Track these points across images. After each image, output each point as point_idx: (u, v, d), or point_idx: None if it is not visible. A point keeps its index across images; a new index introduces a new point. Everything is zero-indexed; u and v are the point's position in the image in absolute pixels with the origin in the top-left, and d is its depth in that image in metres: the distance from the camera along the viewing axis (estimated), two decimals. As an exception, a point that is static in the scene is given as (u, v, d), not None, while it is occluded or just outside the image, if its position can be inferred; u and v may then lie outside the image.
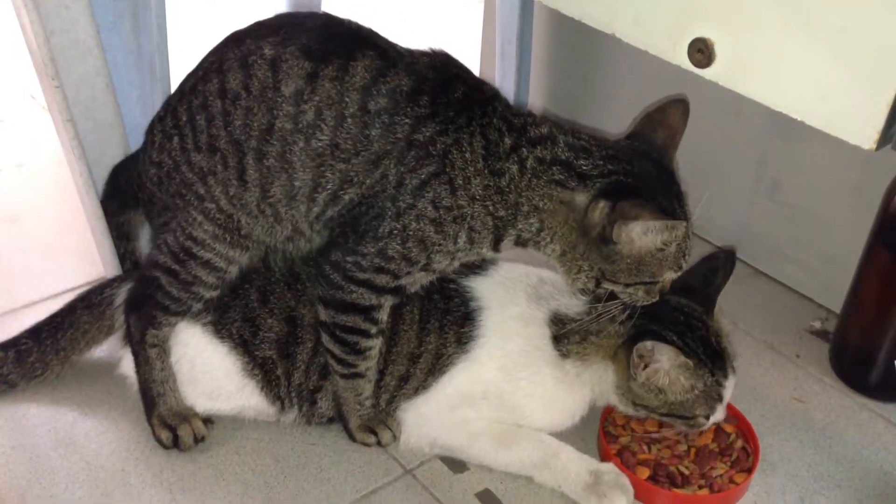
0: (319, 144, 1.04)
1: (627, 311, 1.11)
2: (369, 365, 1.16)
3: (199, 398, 1.21)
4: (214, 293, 1.16)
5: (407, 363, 1.19)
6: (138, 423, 1.23)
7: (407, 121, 1.03)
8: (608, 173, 1.02)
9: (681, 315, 1.15)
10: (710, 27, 0.91)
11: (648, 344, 1.09)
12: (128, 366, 1.22)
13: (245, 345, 1.18)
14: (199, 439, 1.20)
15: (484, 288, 1.21)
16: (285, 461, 1.20)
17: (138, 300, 1.18)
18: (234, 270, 1.15)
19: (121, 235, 1.35)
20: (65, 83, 1.24)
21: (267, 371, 1.19)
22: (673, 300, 1.14)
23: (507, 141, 1.03)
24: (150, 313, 1.17)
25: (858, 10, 0.80)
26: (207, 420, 1.22)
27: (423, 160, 1.03)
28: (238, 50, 1.06)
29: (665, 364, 1.11)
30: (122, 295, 1.23)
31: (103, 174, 1.34)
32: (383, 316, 1.14)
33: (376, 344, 1.15)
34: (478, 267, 1.24)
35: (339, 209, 1.07)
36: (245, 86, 1.04)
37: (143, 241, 1.36)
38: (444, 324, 1.19)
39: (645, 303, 1.09)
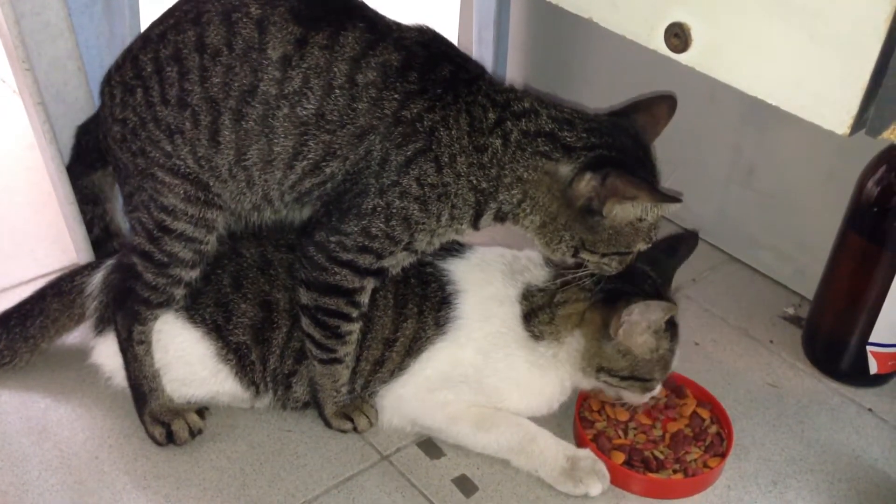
0: (305, 113, 1.02)
1: (594, 279, 1.13)
2: (348, 350, 1.16)
3: (172, 384, 1.20)
4: (193, 273, 1.13)
5: (382, 347, 1.19)
6: (111, 410, 1.22)
7: (396, 96, 1.02)
8: (592, 146, 1.03)
9: (650, 280, 1.16)
10: (687, 12, 0.91)
11: (639, 305, 1.10)
12: (100, 354, 1.21)
13: (218, 330, 1.17)
14: (195, 432, 1.19)
15: (461, 271, 1.21)
16: (261, 448, 1.20)
17: (121, 296, 1.16)
18: (211, 241, 1.12)
19: (86, 199, 1.29)
20: (36, 66, 1.22)
21: (241, 356, 1.18)
22: (639, 266, 1.15)
23: (491, 116, 1.04)
24: (134, 309, 1.14)
25: (833, -5, 0.80)
26: (203, 409, 1.21)
27: (410, 136, 1.03)
28: (220, 3, 1.03)
29: (650, 321, 1.12)
30: (93, 283, 1.22)
31: (75, 158, 1.32)
32: (365, 299, 1.13)
33: (356, 328, 1.15)
34: (455, 250, 1.24)
35: (317, 181, 1.06)
36: (227, 42, 1.02)
37: (118, 204, 1.30)
38: (422, 309, 1.19)
39: (615, 272, 1.10)
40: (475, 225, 1.09)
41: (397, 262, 1.12)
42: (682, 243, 1.25)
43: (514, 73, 1.90)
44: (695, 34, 0.91)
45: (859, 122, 0.83)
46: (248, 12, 1.02)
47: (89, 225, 1.32)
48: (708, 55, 0.91)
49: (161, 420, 1.18)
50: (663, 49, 0.94)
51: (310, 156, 1.05)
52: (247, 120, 1.03)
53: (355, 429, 1.22)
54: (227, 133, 1.04)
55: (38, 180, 1.54)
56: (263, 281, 1.18)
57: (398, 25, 1.07)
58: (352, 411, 1.21)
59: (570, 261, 1.10)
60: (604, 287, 1.15)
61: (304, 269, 1.11)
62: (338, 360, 1.16)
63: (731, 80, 0.90)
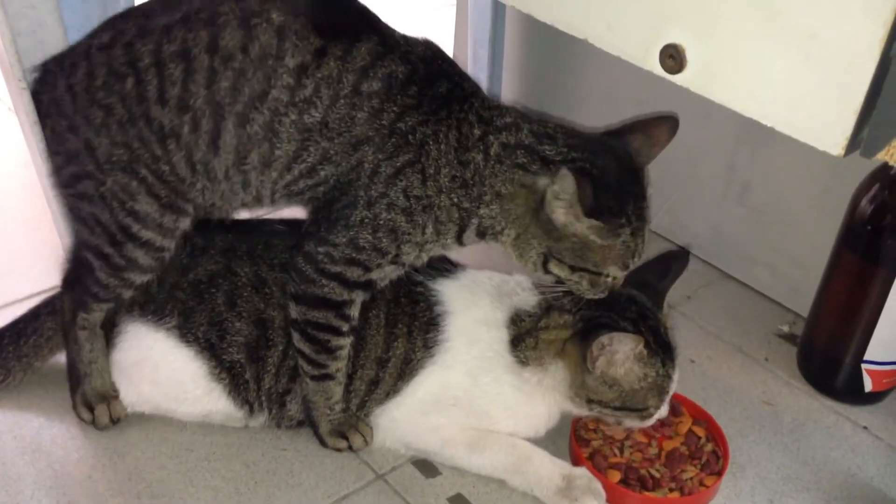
0: (311, 120, 1.03)
1: (573, 299, 1.12)
2: (339, 366, 1.15)
3: (163, 401, 1.20)
4: (147, 277, 1.13)
5: (375, 367, 1.19)
6: (105, 430, 1.21)
7: (395, 108, 1.03)
8: (571, 160, 1.03)
9: (633, 304, 1.15)
10: (682, 33, 0.91)
11: (605, 338, 1.09)
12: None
13: (212, 349, 1.17)
14: (115, 420, 1.21)
15: (450, 291, 1.21)
16: (255, 467, 1.19)
17: (71, 279, 1.17)
18: (172, 249, 1.12)
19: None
20: (32, 85, 1.22)
21: (234, 375, 1.18)
22: (624, 291, 1.14)
23: (476, 132, 1.04)
24: (81, 297, 1.16)
25: (827, 16, 0.81)
26: None
27: (401, 148, 1.03)
28: (237, 6, 1.01)
29: (625, 352, 1.10)
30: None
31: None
32: (354, 313, 1.13)
33: (347, 343, 1.14)
34: (446, 270, 1.24)
35: (311, 182, 1.06)
36: (243, 47, 1.01)
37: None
38: (411, 329, 1.18)
39: (591, 296, 1.09)
40: (459, 240, 1.09)
41: (385, 274, 1.12)
42: (673, 262, 1.24)
43: (509, 92, 1.91)
44: (690, 55, 0.91)
45: (854, 143, 0.84)
46: (269, 18, 1.01)
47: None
48: (703, 76, 0.91)
49: (89, 403, 1.20)
50: (658, 70, 0.94)
51: (308, 160, 1.05)
52: (251, 125, 1.03)
53: (350, 447, 1.21)
54: (228, 138, 1.04)
55: (32, 198, 1.53)
56: (258, 299, 1.17)
57: (406, 39, 1.08)
58: (347, 429, 1.21)
59: (544, 276, 1.09)
60: (584, 316, 1.14)
61: (293, 283, 1.11)
62: (329, 377, 1.16)
63: (727, 101, 0.91)
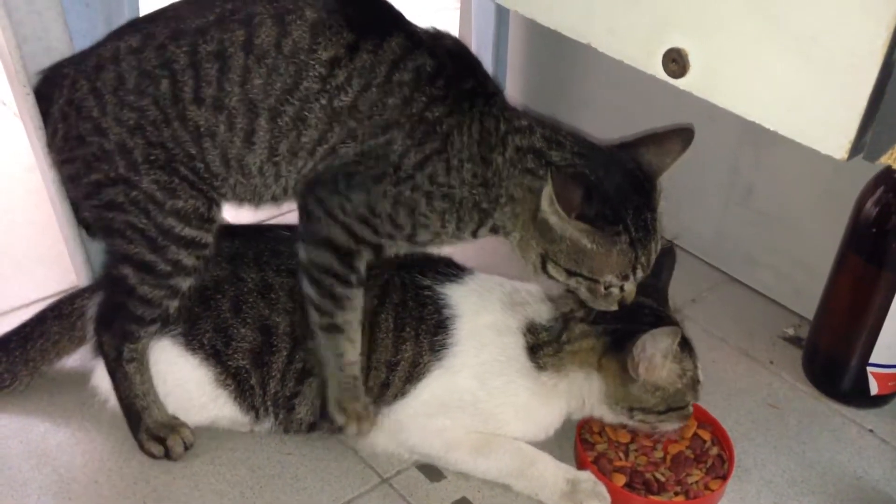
0: (340, 105, 1.04)
1: (584, 309, 1.13)
2: (347, 318, 1.12)
3: (169, 408, 1.20)
4: (191, 282, 1.12)
5: (386, 371, 1.19)
6: (111, 434, 1.22)
7: (423, 98, 1.05)
8: (573, 165, 1.05)
9: (644, 309, 1.16)
10: (684, 37, 0.91)
11: (644, 339, 1.10)
12: (100, 377, 1.20)
13: (217, 355, 1.17)
14: (188, 446, 1.19)
15: (458, 296, 1.21)
16: (261, 471, 1.19)
17: (109, 314, 1.15)
18: (212, 245, 1.11)
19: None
20: (35, 86, 1.23)
21: (240, 381, 1.18)
22: (634, 301, 1.14)
23: (500, 127, 1.07)
24: (124, 328, 1.13)
25: (829, 19, 0.81)
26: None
27: (429, 135, 1.05)
28: (271, 5, 1.03)
29: (663, 351, 1.11)
30: (94, 306, 1.21)
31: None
32: (359, 265, 1.11)
33: (354, 295, 1.12)
34: (453, 275, 1.24)
35: (328, 162, 1.07)
36: (276, 44, 1.02)
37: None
38: (419, 332, 1.18)
39: (602, 308, 1.10)
40: (475, 235, 1.11)
41: (395, 245, 1.13)
42: (662, 257, 1.23)
43: (512, 94, 1.91)
44: (692, 59, 0.91)
45: (857, 147, 0.84)
46: (303, 15, 1.03)
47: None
48: (706, 80, 0.91)
49: (157, 436, 1.18)
50: (661, 74, 0.94)
51: (331, 140, 1.06)
52: (282, 117, 1.04)
53: (344, 426, 1.16)
54: (262, 133, 1.05)
55: (38, 203, 1.54)
56: (263, 305, 1.18)
57: (432, 35, 1.10)
58: (349, 403, 1.16)
59: (544, 278, 1.10)
60: (608, 329, 1.15)
61: (301, 223, 1.11)
62: (337, 328, 1.12)
63: (729, 104, 0.91)
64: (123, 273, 1.11)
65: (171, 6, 1.09)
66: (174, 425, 1.19)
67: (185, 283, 1.12)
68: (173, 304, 1.13)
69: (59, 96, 1.11)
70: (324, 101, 1.04)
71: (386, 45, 1.05)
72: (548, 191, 1.01)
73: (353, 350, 1.14)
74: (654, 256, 1.08)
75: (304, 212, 1.10)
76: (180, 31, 1.04)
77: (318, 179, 1.09)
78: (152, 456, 1.18)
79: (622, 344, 1.13)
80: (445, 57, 1.08)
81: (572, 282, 1.08)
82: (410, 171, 1.06)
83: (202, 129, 1.05)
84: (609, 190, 1.04)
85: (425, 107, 1.05)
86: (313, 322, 1.14)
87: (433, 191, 1.06)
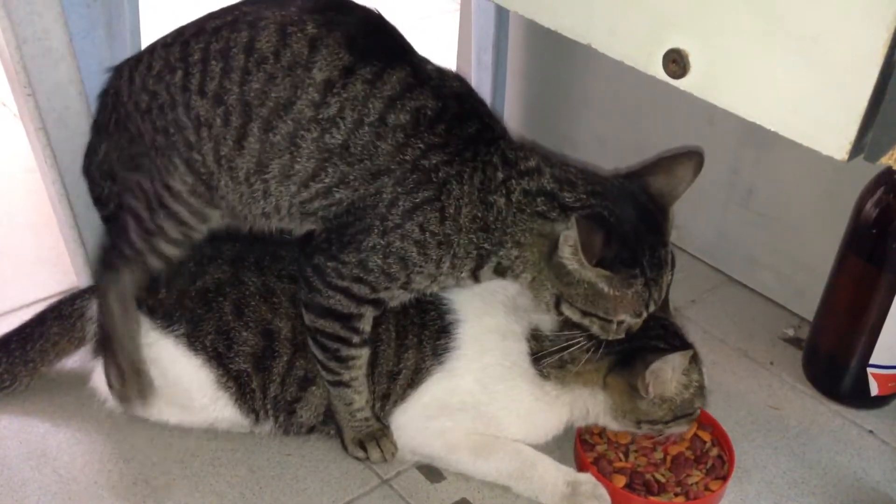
0: (332, 142, 1.03)
1: (593, 343, 1.10)
2: (353, 375, 1.15)
3: (170, 409, 1.20)
4: (173, 251, 1.14)
5: (387, 382, 1.19)
6: (111, 435, 1.22)
7: (420, 145, 1.03)
8: (589, 206, 1.03)
9: (650, 322, 1.15)
10: (685, 38, 0.91)
11: (658, 363, 1.09)
12: (100, 378, 1.21)
13: (219, 358, 1.17)
14: (148, 390, 1.20)
15: (461, 300, 1.20)
16: (261, 472, 1.19)
17: (106, 253, 1.19)
18: (203, 230, 1.14)
19: (104, 175, 1.25)
20: (37, 91, 1.23)
21: (241, 384, 1.18)
22: None
23: (500, 175, 1.04)
24: (110, 260, 1.17)
25: (830, 20, 0.81)
26: None
27: (423, 184, 1.03)
28: (279, 13, 1.04)
29: (673, 372, 1.11)
30: (94, 307, 1.22)
31: (76, 182, 1.32)
32: (365, 326, 1.12)
33: (360, 354, 1.14)
34: None
35: (325, 203, 1.07)
36: (276, 52, 1.03)
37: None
38: (421, 339, 1.18)
39: (608, 338, 1.09)
40: (475, 276, 1.09)
41: (394, 297, 1.12)
42: None
43: (512, 97, 1.91)
44: (693, 60, 0.91)
45: (857, 148, 0.83)
46: (304, 28, 1.03)
47: (105, 200, 1.28)
48: (706, 81, 0.91)
49: (122, 369, 1.18)
50: (662, 75, 0.94)
51: (326, 180, 1.05)
52: (275, 133, 1.04)
53: (368, 458, 1.20)
54: (252, 140, 1.05)
55: (38, 204, 1.54)
56: (265, 309, 1.18)
57: (438, 72, 1.08)
58: (368, 441, 1.20)
59: (556, 316, 1.08)
60: (612, 349, 1.12)
61: (302, 290, 1.12)
62: (344, 384, 1.15)
63: (730, 105, 0.90)
64: (124, 217, 1.15)
65: (211, 13, 1.11)
66: (139, 369, 1.18)
67: (168, 250, 1.14)
68: (152, 262, 1.15)
69: (113, 86, 1.17)
70: (315, 133, 1.03)
71: (386, 76, 1.03)
72: (571, 238, 0.99)
73: (360, 399, 1.17)
74: (665, 290, 1.08)
75: (304, 281, 1.11)
76: (203, 29, 1.08)
77: (315, 246, 1.10)
78: (110, 387, 1.19)
79: (628, 361, 1.12)
80: (450, 98, 1.05)
81: (586, 321, 1.06)
82: (399, 221, 1.04)
83: (202, 119, 1.06)
84: (626, 230, 1.02)
85: (422, 154, 1.03)
86: (322, 377, 1.16)
87: (425, 240, 1.04)
